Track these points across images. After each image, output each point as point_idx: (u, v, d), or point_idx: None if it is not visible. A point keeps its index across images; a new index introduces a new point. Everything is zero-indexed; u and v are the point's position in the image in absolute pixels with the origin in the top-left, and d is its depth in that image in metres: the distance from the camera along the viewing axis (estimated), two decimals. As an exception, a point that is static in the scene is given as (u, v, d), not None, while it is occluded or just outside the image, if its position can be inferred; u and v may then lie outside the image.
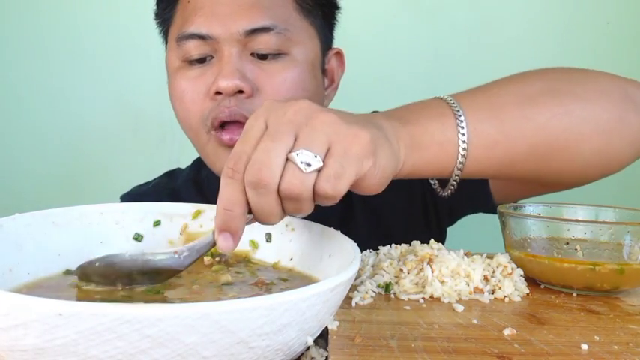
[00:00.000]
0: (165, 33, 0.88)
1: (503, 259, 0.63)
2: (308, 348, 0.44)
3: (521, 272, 0.63)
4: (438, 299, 0.58)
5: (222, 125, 0.78)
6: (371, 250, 0.68)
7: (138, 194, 1.00)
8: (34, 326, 0.32)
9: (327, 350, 0.45)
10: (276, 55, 0.80)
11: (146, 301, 0.45)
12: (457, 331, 0.50)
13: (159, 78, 1.48)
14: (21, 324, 0.32)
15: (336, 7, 0.90)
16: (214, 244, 0.49)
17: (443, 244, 0.65)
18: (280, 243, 0.58)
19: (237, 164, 0.47)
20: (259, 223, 0.50)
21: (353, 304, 0.55)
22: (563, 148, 0.61)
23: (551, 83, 0.64)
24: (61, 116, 1.49)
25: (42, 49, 1.48)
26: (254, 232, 0.59)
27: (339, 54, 0.94)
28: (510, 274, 0.61)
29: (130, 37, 1.48)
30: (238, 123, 0.77)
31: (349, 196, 0.51)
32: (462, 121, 0.58)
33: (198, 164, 1.02)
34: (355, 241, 0.50)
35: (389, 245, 0.69)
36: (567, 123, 0.61)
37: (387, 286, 0.59)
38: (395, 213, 0.92)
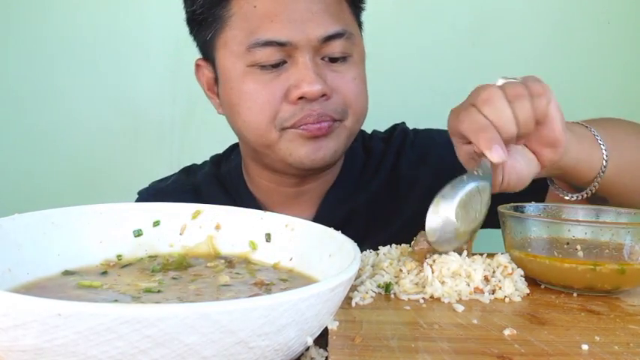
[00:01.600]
0: (211, 36, 0.87)
1: (503, 259, 0.63)
2: (308, 348, 0.44)
3: (522, 272, 0.62)
4: (438, 299, 0.58)
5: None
6: (371, 250, 0.68)
7: (157, 190, 1.01)
8: (33, 326, 0.32)
9: (327, 350, 0.45)
10: (344, 58, 0.86)
11: (146, 302, 0.45)
12: (457, 331, 0.50)
13: (159, 78, 1.48)
14: (20, 324, 0.32)
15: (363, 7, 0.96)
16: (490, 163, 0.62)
17: None
18: (280, 243, 0.58)
19: (468, 109, 0.64)
20: (508, 136, 0.62)
21: (353, 304, 0.55)
22: None
23: (635, 127, 0.83)
24: (61, 116, 1.49)
25: (42, 49, 1.47)
26: (254, 232, 0.59)
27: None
28: (511, 274, 0.61)
29: (130, 37, 1.48)
30: (322, 121, 0.83)
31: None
32: (599, 139, 0.72)
33: (217, 160, 1.04)
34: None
35: (389, 245, 0.69)
36: None
37: (387, 287, 0.59)
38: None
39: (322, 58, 0.84)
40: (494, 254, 0.64)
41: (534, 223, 0.65)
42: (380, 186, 0.97)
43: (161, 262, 0.56)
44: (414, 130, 1.06)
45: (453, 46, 1.46)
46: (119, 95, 1.49)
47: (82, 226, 0.55)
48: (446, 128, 0.92)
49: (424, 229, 0.64)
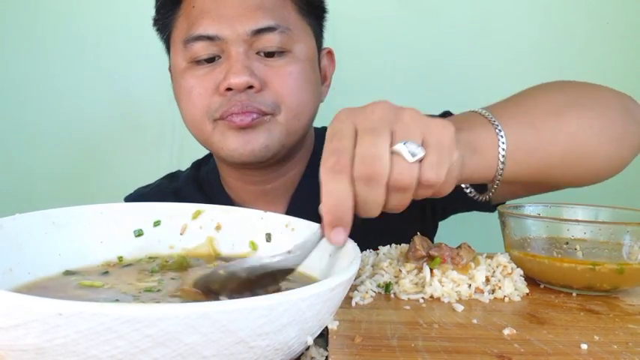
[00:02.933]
0: (167, 38, 0.93)
1: (503, 259, 0.63)
2: (308, 348, 0.44)
3: (521, 272, 0.63)
4: (438, 299, 0.58)
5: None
6: (371, 250, 0.68)
7: (141, 195, 1.03)
8: (34, 326, 0.32)
9: (327, 350, 0.45)
10: (281, 52, 0.86)
11: (146, 301, 0.45)
12: (457, 331, 0.50)
13: (159, 78, 1.48)
14: (21, 324, 0.32)
15: (325, 11, 0.96)
16: (322, 238, 0.51)
17: (434, 237, 0.66)
18: (280, 243, 0.58)
19: (340, 159, 0.49)
20: (359, 215, 0.51)
21: (353, 304, 0.55)
22: (586, 155, 0.67)
23: (572, 97, 0.71)
24: (61, 116, 1.48)
25: (42, 49, 1.47)
26: (254, 232, 0.59)
27: (330, 53, 0.99)
28: (510, 274, 0.61)
29: (130, 37, 1.48)
30: (247, 112, 0.83)
31: None
32: (499, 130, 0.61)
33: (197, 164, 1.07)
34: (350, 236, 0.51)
35: (389, 245, 0.69)
36: (590, 133, 0.67)
37: (387, 286, 0.59)
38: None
39: (258, 53, 0.85)
40: (494, 254, 0.64)
41: (534, 223, 0.65)
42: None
43: (160, 263, 0.56)
44: None
45: (453, 46, 1.46)
46: (119, 95, 1.49)
47: (83, 226, 0.56)
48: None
49: (417, 234, 0.64)
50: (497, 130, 0.61)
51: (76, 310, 0.31)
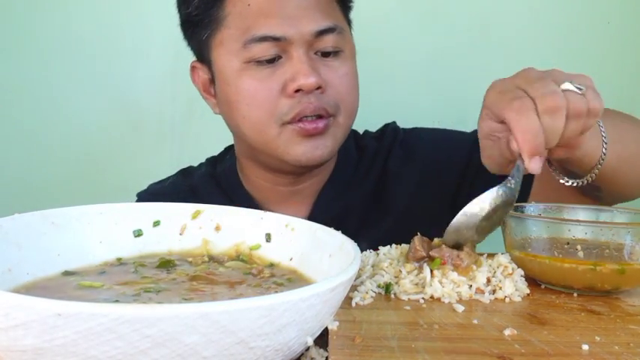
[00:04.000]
0: (206, 37, 0.89)
1: (503, 259, 0.63)
2: (308, 348, 0.44)
3: (522, 272, 0.62)
4: (439, 299, 0.58)
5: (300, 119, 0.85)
6: (371, 250, 0.68)
7: (155, 192, 1.02)
8: (33, 326, 0.32)
9: (327, 351, 0.45)
10: (336, 52, 0.88)
11: (146, 302, 0.45)
12: (457, 331, 0.49)
13: (159, 78, 1.48)
14: (20, 324, 0.32)
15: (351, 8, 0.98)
16: (524, 170, 0.61)
17: None
18: (280, 243, 0.58)
19: (524, 101, 0.60)
20: (546, 147, 0.61)
21: (353, 304, 0.55)
22: None
23: (634, 120, 0.87)
24: (61, 116, 1.48)
25: (42, 49, 1.47)
26: (254, 232, 0.59)
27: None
28: (511, 274, 0.61)
29: (130, 37, 1.48)
30: (319, 119, 0.85)
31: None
32: (602, 130, 0.71)
33: (213, 161, 1.06)
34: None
35: (389, 245, 0.69)
36: None
37: (387, 287, 0.59)
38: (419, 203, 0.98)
39: (315, 53, 0.86)
40: (495, 254, 0.64)
41: (534, 223, 0.65)
42: (372, 183, 0.99)
43: (159, 263, 0.55)
44: (404, 129, 1.07)
45: (453, 46, 1.46)
46: (119, 95, 1.49)
47: (82, 226, 0.55)
48: (435, 127, 0.93)
49: (418, 235, 0.64)
50: (602, 131, 0.71)
51: (74, 311, 0.31)
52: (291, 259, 0.56)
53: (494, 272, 0.61)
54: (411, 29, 1.47)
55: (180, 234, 0.60)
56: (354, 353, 0.44)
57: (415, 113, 1.33)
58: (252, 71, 0.85)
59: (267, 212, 0.60)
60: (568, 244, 0.63)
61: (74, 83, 1.48)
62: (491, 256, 0.64)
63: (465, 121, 1.04)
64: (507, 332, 0.49)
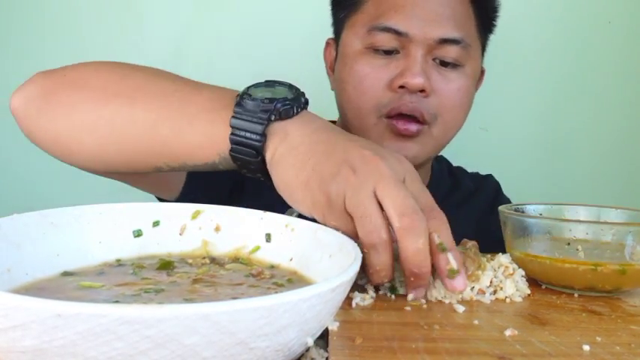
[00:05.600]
0: (344, 16, 0.94)
1: (504, 259, 0.62)
2: (308, 349, 0.43)
3: (523, 273, 0.62)
4: (440, 300, 0.58)
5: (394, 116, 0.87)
6: None
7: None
8: (32, 327, 0.32)
9: (327, 351, 0.45)
10: (455, 65, 0.89)
11: (146, 302, 0.45)
12: (458, 332, 0.49)
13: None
14: (19, 325, 0.32)
15: (493, 32, 1.00)
16: None
17: None
18: (280, 243, 0.57)
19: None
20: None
21: (353, 304, 0.55)
22: None
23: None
24: (61, 116, 1.48)
25: (41, 49, 1.47)
26: (254, 232, 0.59)
27: (483, 73, 1.02)
28: (512, 274, 0.61)
29: (129, 37, 1.48)
30: (411, 117, 0.86)
31: None
32: None
33: None
34: None
35: None
36: None
37: (393, 289, 0.58)
38: None
39: (434, 59, 0.88)
40: (496, 254, 0.64)
41: (535, 223, 0.65)
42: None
43: (159, 263, 0.55)
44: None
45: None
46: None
47: (82, 226, 0.55)
48: None
49: None
50: None
51: (74, 311, 0.31)
52: (291, 260, 0.56)
53: (495, 273, 0.61)
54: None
55: (180, 234, 0.59)
56: (354, 354, 0.44)
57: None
58: (368, 57, 0.88)
59: (267, 212, 0.60)
60: (569, 244, 0.63)
61: (74, 83, 1.48)
62: (492, 256, 0.64)
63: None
64: (508, 333, 0.49)
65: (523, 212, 0.71)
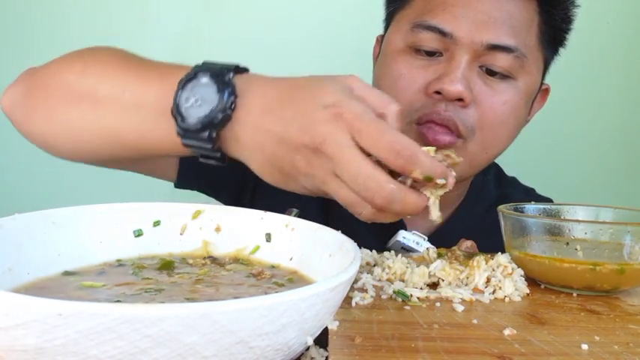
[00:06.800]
0: (393, 11, 0.88)
1: (503, 259, 0.63)
2: (308, 348, 0.44)
3: (522, 272, 0.63)
4: (440, 299, 0.58)
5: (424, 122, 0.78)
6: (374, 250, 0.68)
7: None
8: (33, 326, 0.32)
9: (327, 350, 0.45)
10: (504, 76, 0.80)
11: (147, 301, 0.45)
12: (457, 331, 0.50)
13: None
14: (21, 324, 0.32)
15: (564, 46, 0.89)
16: None
17: None
18: (280, 243, 0.58)
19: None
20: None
21: (353, 304, 0.55)
22: None
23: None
24: (61, 116, 1.48)
25: (41, 49, 1.47)
26: (254, 232, 0.59)
27: (547, 91, 0.93)
28: (511, 274, 0.61)
29: (130, 37, 1.48)
30: (445, 127, 0.78)
31: None
32: None
33: None
34: None
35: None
36: None
37: (402, 294, 0.58)
38: None
39: (481, 67, 0.79)
40: (495, 254, 0.64)
41: (534, 223, 0.65)
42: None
43: (159, 263, 0.56)
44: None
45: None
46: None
47: (83, 226, 0.55)
48: None
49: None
50: None
51: (75, 310, 0.31)
52: (291, 259, 0.56)
53: (494, 271, 0.61)
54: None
55: (181, 234, 0.60)
56: (354, 353, 0.44)
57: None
58: (408, 57, 0.81)
59: (267, 212, 0.60)
60: (567, 244, 0.63)
61: (74, 83, 1.48)
62: (491, 255, 0.64)
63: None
64: (507, 332, 0.49)
65: (522, 212, 0.71)
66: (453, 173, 0.50)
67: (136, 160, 0.76)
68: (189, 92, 0.55)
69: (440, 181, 0.49)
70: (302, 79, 0.56)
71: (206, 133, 0.54)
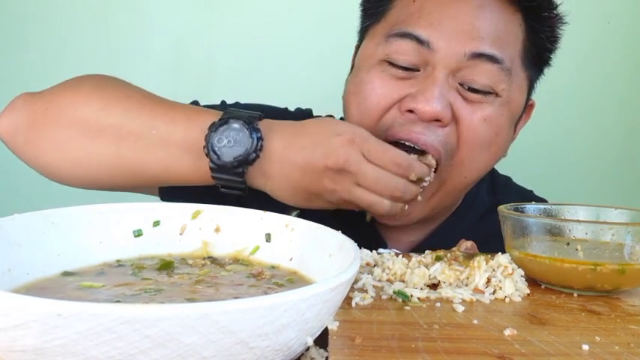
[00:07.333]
0: (366, 26, 0.84)
1: (503, 259, 0.63)
2: (308, 348, 0.43)
3: (522, 272, 0.62)
4: (440, 299, 0.58)
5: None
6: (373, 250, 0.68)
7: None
8: (33, 327, 0.32)
9: (327, 351, 0.45)
10: (487, 93, 0.74)
11: (146, 302, 0.45)
12: (458, 331, 0.49)
13: (159, 78, 1.48)
14: (20, 324, 0.32)
15: (548, 65, 0.86)
16: None
17: None
18: (280, 243, 0.58)
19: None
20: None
21: (353, 304, 0.55)
22: None
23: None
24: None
25: (41, 49, 1.47)
26: (254, 232, 0.59)
27: (531, 106, 0.88)
28: (511, 274, 0.61)
29: (130, 37, 1.48)
30: (417, 150, 0.73)
31: None
32: None
33: None
34: None
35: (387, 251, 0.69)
36: None
37: (402, 294, 0.58)
38: None
39: (461, 85, 0.74)
40: (495, 254, 0.64)
41: (534, 223, 0.65)
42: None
43: (159, 263, 0.55)
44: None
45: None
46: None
47: (82, 226, 0.55)
48: None
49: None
50: None
51: (75, 311, 0.31)
52: (291, 259, 0.56)
53: (494, 272, 0.61)
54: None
55: (180, 234, 0.60)
56: (354, 353, 0.44)
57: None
58: (382, 70, 0.75)
59: (267, 212, 0.60)
60: (568, 244, 0.63)
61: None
62: (491, 256, 0.64)
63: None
64: (507, 332, 0.49)
65: (522, 212, 0.71)
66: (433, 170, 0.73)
67: (144, 187, 0.83)
68: (221, 134, 0.67)
69: (427, 179, 0.71)
70: (307, 120, 0.71)
71: (240, 170, 0.67)
